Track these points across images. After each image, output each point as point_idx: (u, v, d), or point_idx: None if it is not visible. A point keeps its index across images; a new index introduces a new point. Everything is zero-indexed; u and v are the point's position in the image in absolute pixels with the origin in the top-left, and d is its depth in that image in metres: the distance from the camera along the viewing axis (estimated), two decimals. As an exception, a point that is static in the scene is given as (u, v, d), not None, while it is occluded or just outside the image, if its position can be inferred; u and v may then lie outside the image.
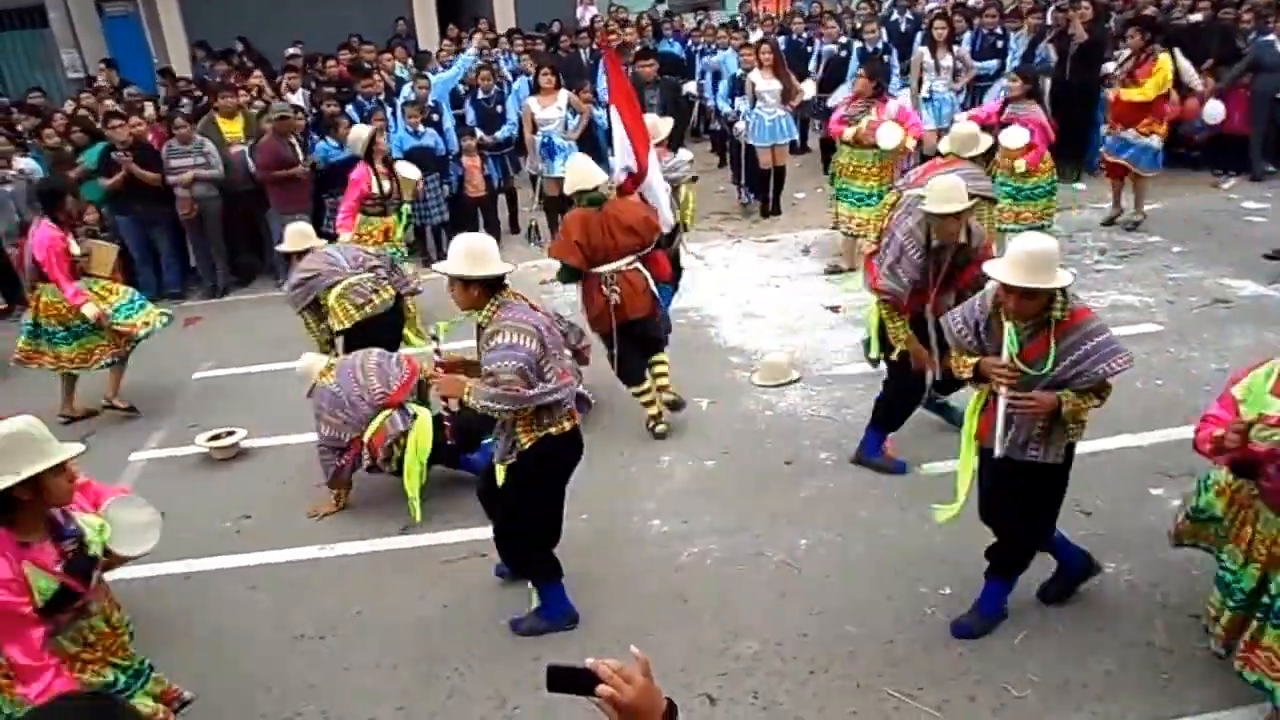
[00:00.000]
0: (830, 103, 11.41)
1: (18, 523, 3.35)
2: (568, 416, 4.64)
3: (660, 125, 7.60)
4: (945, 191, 5.19)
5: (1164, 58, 9.51)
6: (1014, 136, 8.66)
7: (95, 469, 6.82)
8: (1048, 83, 10.81)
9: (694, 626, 4.89)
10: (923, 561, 5.18)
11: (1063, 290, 4.10)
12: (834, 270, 9.49)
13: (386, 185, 8.86)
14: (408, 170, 9.37)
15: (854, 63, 11.68)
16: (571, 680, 1.90)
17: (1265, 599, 3.84)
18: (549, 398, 4.47)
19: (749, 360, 7.79)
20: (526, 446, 4.54)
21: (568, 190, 6.71)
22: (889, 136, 8.69)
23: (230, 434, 7.16)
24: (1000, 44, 11.77)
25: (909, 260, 5.40)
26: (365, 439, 5.86)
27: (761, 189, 11.48)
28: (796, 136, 11.92)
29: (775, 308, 8.83)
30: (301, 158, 10.07)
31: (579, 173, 6.59)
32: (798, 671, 4.54)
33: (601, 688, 1.85)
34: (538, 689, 4.45)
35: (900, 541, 5.39)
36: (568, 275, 6.61)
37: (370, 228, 8.71)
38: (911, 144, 8.96)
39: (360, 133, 9.08)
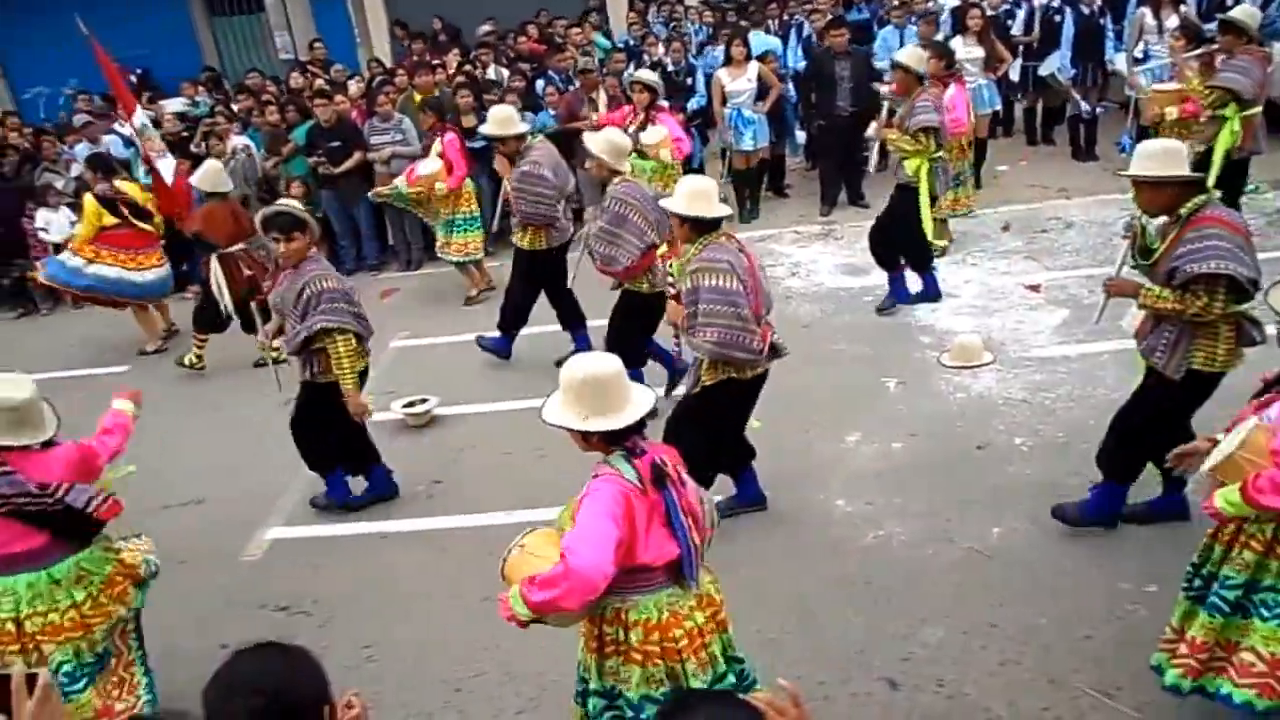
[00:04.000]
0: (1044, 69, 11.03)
1: None
2: (752, 365, 4.86)
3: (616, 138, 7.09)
4: None
5: None
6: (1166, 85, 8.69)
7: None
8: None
9: (877, 609, 4.78)
10: (1124, 556, 4.91)
11: (1196, 188, 4.40)
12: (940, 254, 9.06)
13: None
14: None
15: (1069, 27, 11.09)
16: None
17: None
18: (749, 353, 4.77)
19: (940, 340, 7.54)
20: (708, 383, 4.86)
21: (209, 189, 8.38)
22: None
23: (424, 401, 7.41)
24: (1231, 1, 10.94)
25: None
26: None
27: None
28: (999, 107, 11.41)
29: (970, 285, 8.51)
30: (599, 112, 10.34)
31: (209, 176, 8.42)
32: (986, 662, 4.38)
33: None
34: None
35: (1100, 534, 5.11)
36: (204, 248, 8.40)
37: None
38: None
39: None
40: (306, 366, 5.75)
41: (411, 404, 7.39)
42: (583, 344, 7.74)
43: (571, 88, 11.06)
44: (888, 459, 6.10)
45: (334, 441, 6.06)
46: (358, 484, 6.34)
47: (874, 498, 5.70)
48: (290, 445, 6.79)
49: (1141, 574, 4.76)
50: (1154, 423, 4.73)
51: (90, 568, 4.15)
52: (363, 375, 5.85)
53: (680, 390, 6.04)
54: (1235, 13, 8.00)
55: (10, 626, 3.98)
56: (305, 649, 2.17)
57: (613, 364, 3.32)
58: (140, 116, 9.49)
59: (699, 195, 4.81)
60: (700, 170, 11.20)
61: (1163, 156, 4.43)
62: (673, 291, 5.26)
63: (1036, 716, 4.07)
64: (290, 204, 5.64)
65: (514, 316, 7.93)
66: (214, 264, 8.35)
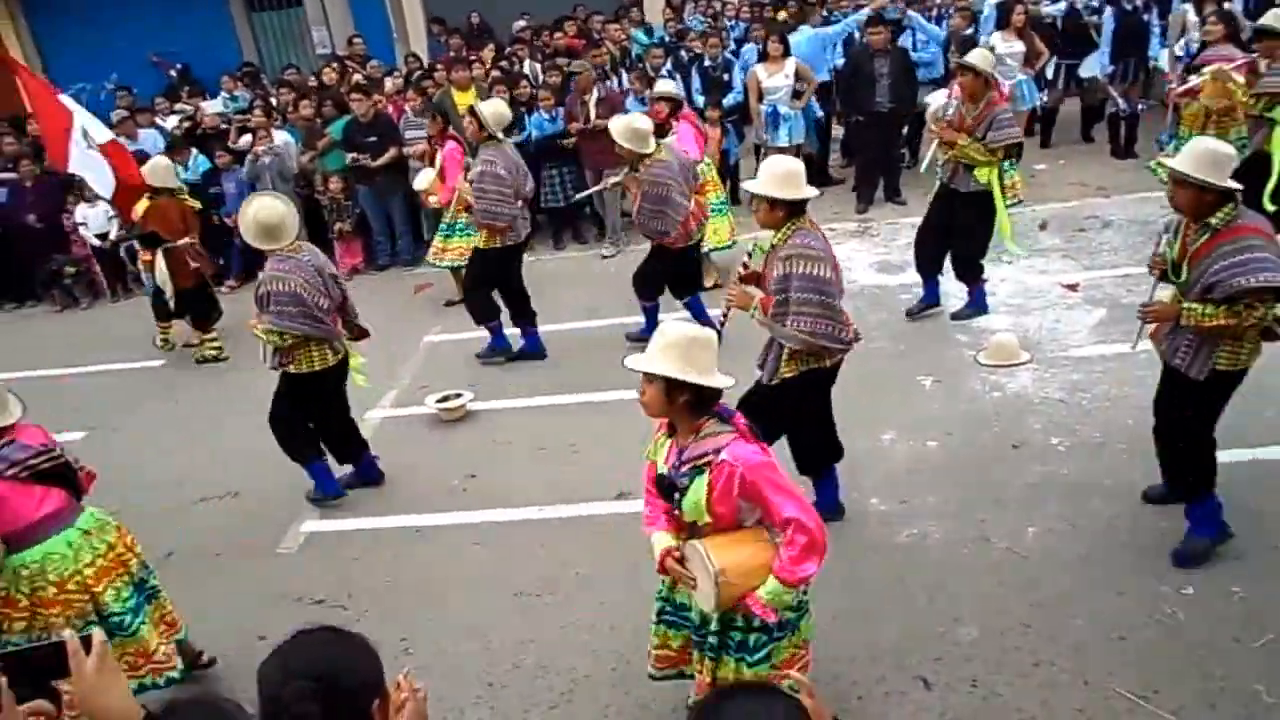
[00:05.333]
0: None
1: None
2: (840, 353, 4.84)
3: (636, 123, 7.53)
4: None
5: None
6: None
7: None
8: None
9: (911, 608, 4.77)
10: (1162, 558, 4.85)
11: (1232, 200, 4.29)
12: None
13: None
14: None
15: (1109, 24, 10.98)
16: None
17: None
18: (839, 344, 4.77)
19: (976, 339, 7.48)
20: (789, 375, 4.76)
21: (159, 184, 8.62)
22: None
23: (458, 396, 7.45)
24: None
25: None
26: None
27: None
28: (1038, 103, 11.30)
29: (1006, 284, 8.43)
30: (591, 116, 10.33)
31: (159, 170, 8.73)
32: (1020, 662, 4.35)
33: None
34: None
35: (1137, 535, 5.07)
36: (152, 241, 8.71)
37: None
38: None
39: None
40: (274, 355, 5.88)
41: (445, 398, 7.42)
42: (532, 342, 8.12)
43: (607, 84, 11.05)
44: (922, 457, 6.07)
45: (311, 430, 6.25)
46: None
47: (908, 496, 5.67)
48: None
49: (1179, 577, 4.72)
50: (1201, 427, 4.68)
51: (103, 516, 4.43)
52: (336, 370, 6.07)
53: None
54: (1268, 19, 7.80)
55: (73, 584, 4.19)
56: (364, 637, 2.19)
57: (711, 333, 3.49)
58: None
59: (789, 177, 4.69)
60: (735, 168, 11.20)
61: (1215, 161, 4.28)
62: (744, 272, 5.06)
63: (1070, 718, 4.05)
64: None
65: (483, 311, 8.11)
66: (159, 258, 8.66)
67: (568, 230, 11.14)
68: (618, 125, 7.42)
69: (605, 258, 10.63)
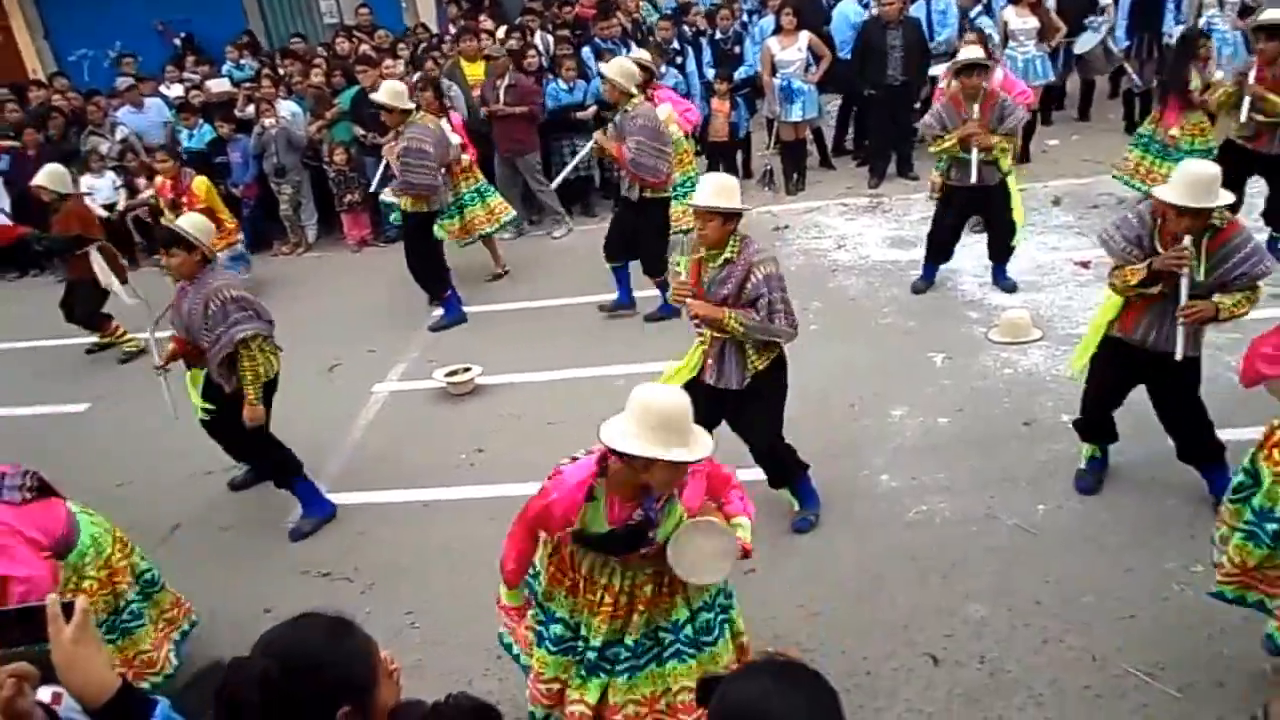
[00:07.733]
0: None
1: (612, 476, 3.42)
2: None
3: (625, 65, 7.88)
4: None
5: None
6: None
7: (340, 400, 7.34)
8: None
9: (920, 585, 4.76)
10: (1169, 535, 4.85)
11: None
12: None
13: None
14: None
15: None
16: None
17: None
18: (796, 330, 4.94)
19: (988, 316, 7.43)
20: (761, 368, 4.91)
21: (61, 189, 8.44)
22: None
23: (466, 370, 7.42)
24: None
25: None
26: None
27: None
28: (1053, 77, 11.18)
29: (1019, 261, 8.34)
30: (501, 100, 10.13)
31: (58, 176, 8.49)
32: (1029, 639, 4.35)
33: None
34: (758, 637, 4.45)
35: (1145, 513, 5.07)
36: (66, 245, 8.52)
37: None
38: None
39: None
40: (230, 379, 5.52)
41: (454, 372, 7.40)
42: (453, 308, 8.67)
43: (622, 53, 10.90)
44: (933, 434, 6.05)
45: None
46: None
47: (919, 473, 5.66)
48: (332, 407, 6.85)
49: (1186, 554, 4.71)
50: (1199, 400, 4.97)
51: (97, 534, 4.28)
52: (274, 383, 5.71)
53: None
54: (1267, 14, 7.47)
55: (104, 573, 4.21)
56: (368, 639, 2.14)
57: (685, 398, 3.35)
58: None
59: (731, 189, 4.87)
60: (746, 140, 11.14)
61: (1209, 185, 4.46)
62: (685, 286, 5.00)
63: (1078, 695, 4.05)
64: (178, 224, 5.58)
65: (437, 282, 8.66)
66: (95, 256, 8.39)
67: (577, 204, 11.06)
68: (609, 65, 7.84)
69: (556, 238, 10.52)
